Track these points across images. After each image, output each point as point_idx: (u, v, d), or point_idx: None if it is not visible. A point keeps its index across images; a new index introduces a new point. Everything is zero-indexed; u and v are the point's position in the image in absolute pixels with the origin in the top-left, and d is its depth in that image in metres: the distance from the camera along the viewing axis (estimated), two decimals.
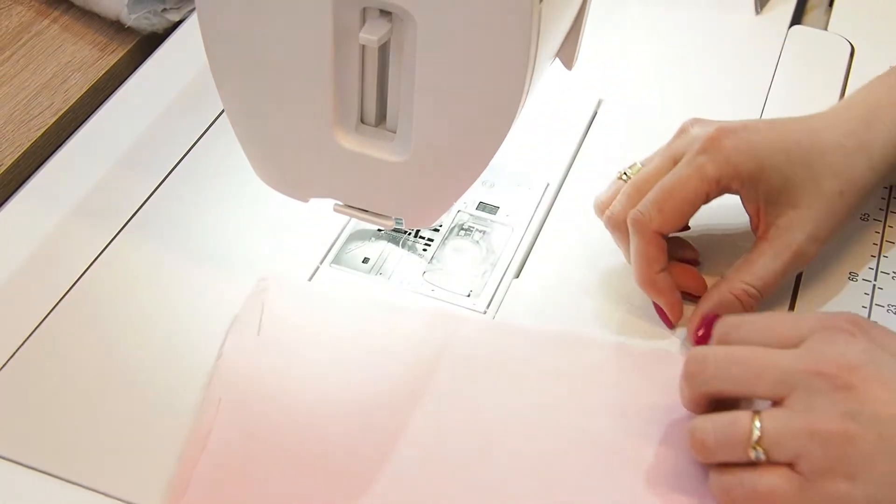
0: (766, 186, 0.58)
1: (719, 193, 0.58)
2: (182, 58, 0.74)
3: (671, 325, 0.59)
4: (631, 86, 0.75)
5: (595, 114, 0.72)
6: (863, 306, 0.61)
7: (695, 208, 0.58)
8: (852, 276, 0.62)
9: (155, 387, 0.55)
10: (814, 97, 0.74)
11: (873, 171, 0.59)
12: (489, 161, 0.51)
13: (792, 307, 0.61)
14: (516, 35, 0.45)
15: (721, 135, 0.58)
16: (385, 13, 0.48)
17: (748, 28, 0.80)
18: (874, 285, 0.62)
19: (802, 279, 0.61)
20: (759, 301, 0.58)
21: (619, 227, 0.59)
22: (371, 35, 0.47)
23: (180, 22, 0.76)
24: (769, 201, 0.58)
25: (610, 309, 0.60)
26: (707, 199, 0.58)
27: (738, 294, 0.57)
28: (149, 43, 0.75)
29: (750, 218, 0.60)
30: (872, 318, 0.60)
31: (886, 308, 0.60)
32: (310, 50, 0.49)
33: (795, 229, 0.58)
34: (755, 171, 0.57)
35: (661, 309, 0.59)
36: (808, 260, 0.58)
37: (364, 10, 0.48)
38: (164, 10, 0.75)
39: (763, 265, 0.58)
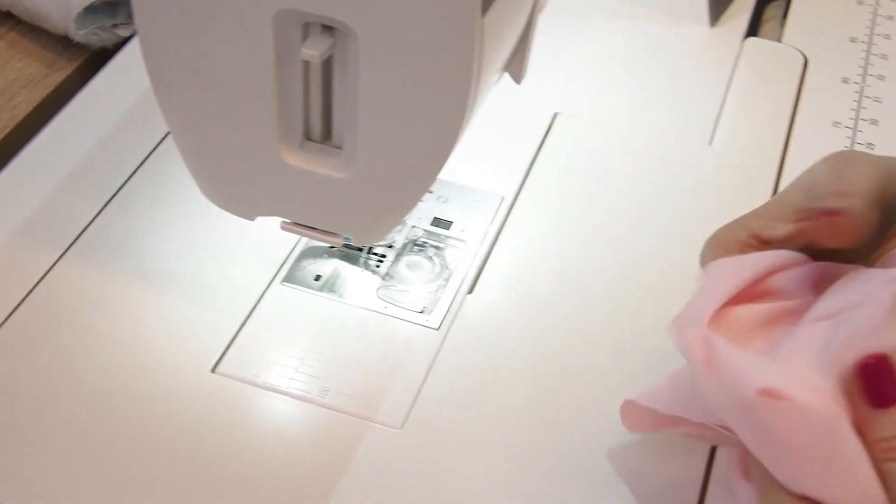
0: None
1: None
2: (132, 74, 0.72)
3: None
4: (586, 98, 0.74)
5: (550, 127, 0.72)
6: None
7: None
8: None
9: (95, 414, 0.54)
10: (768, 108, 0.75)
11: None
12: (436, 176, 0.50)
13: None
14: (459, 49, 0.45)
15: None
16: (328, 28, 0.47)
17: (703, 40, 0.80)
18: None
19: None
20: None
21: None
22: (313, 51, 0.46)
23: (130, 37, 0.75)
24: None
25: (564, 322, 0.59)
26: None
27: None
28: (99, 59, 0.74)
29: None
30: None
31: None
32: (252, 66, 0.48)
33: None
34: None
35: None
36: None
37: (306, 25, 0.47)
38: (114, 25, 0.74)
39: None
